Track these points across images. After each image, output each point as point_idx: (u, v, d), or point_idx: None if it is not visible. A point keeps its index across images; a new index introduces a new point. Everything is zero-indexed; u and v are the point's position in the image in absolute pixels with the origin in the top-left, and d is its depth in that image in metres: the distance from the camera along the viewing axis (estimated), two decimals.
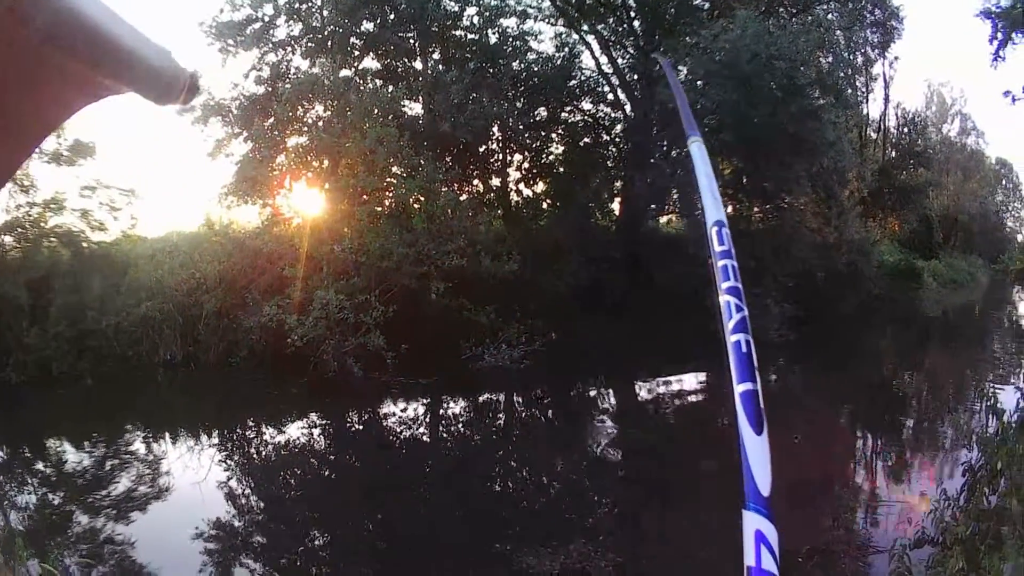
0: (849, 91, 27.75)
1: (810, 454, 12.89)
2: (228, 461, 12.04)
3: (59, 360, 16.17)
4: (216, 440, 13.35)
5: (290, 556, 8.27)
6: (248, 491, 10.72)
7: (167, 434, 13.46)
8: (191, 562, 7.73)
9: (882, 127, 44.99)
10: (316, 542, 8.92)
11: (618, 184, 25.84)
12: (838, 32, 29.47)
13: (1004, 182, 77.42)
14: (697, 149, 1.97)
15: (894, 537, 6.47)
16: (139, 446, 12.77)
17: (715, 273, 1.74)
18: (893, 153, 43.24)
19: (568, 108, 25.99)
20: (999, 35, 19.29)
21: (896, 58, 43.95)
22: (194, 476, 10.73)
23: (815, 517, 9.59)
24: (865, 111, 42.30)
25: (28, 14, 0.79)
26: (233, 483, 10.76)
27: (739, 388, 1.56)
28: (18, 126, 1.01)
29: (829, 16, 28.72)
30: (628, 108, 25.89)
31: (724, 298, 1.72)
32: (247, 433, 14.09)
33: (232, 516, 9.28)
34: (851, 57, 32.74)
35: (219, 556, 8.02)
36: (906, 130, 42.49)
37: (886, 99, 44.97)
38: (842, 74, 27.03)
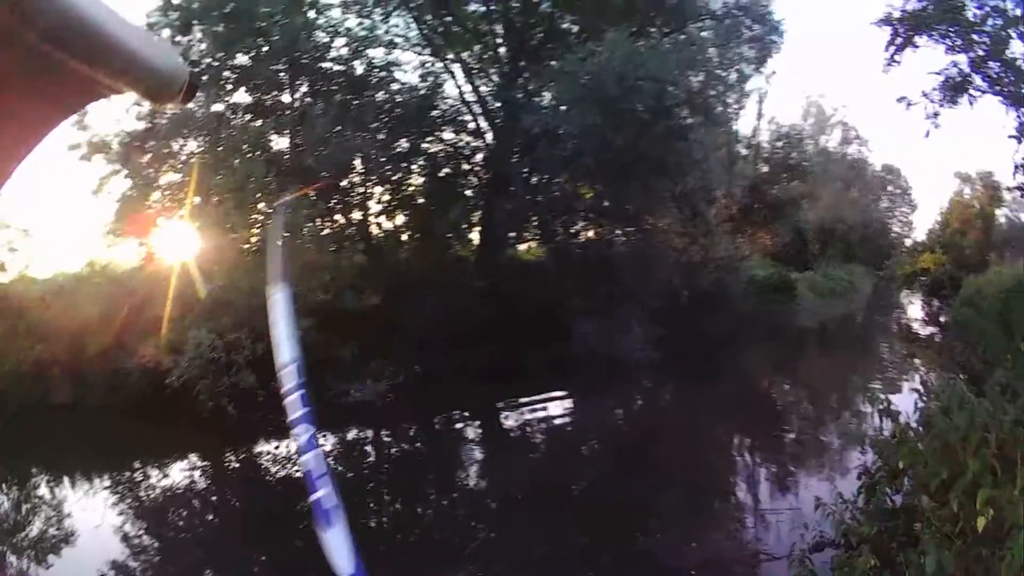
0: (720, 109, 28.15)
1: (692, 469, 13.83)
2: (116, 504, 12.40)
3: None
4: (99, 484, 13.60)
5: None
6: (131, 531, 11.11)
7: (46, 479, 13.85)
8: None
9: (753, 142, 45.43)
10: None
11: (478, 214, 26.00)
12: (711, 49, 29.85)
13: (890, 188, 79.89)
14: (281, 298, 2.05)
15: (790, 543, 6.81)
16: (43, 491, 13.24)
17: (290, 405, 1.89)
18: (765, 168, 43.81)
19: (430, 139, 25.96)
20: (899, 39, 20.47)
21: (773, 72, 44.98)
22: (81, 516, 11.28)
23: (705, 530, 10.24)
24: (735, 128, 42.81)
25: (29, 13, 0.82)
26: (116, 523, 11.19)
27: (312, 498, 1.78)
28: (18, 125, 1.07)
29: (703, 34, 29.35)
30: (489, 136, 26.13)
31: (299, 427, 1.88)
32: (130, 475, 14.28)
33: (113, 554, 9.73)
34: (724, 74, 33.10)
35: None
36: (780, 144, 43.40)
37: (759, 114, 45.70)
38: (714, 92, 27.59)
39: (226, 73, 22.86)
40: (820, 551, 6.59)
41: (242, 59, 22.88)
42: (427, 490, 13.66)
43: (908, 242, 60.30)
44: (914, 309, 43.70)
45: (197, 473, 14.57)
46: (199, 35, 22.48)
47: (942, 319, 31.35)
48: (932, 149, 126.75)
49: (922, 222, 79.88)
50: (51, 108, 1.07)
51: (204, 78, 21.84)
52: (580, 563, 9.14)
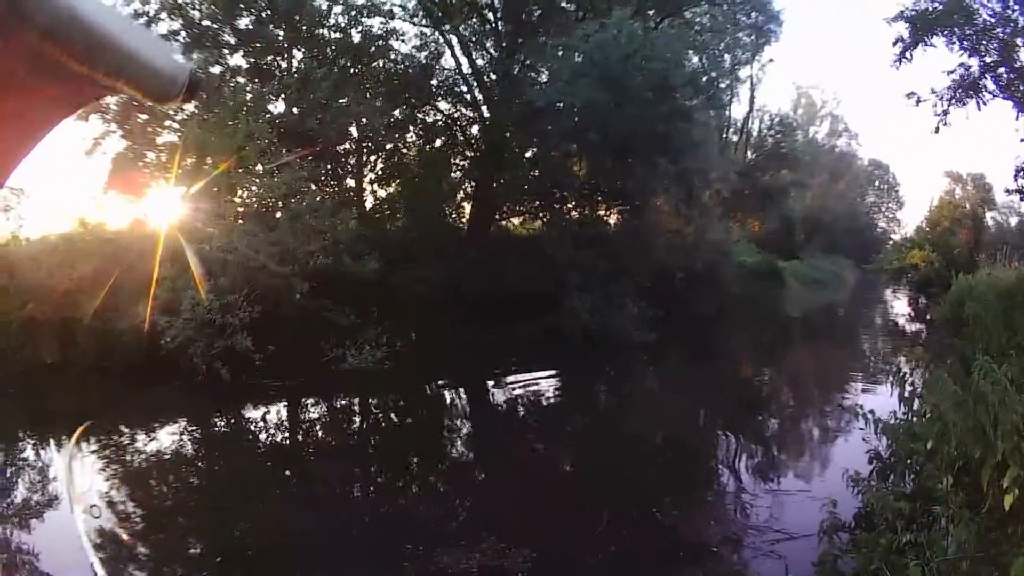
0: (714, 92, 28.36)
1: (697, 451, 14.10)
2: (104, 468, 12.38)
3: None
4: (95, 447, 13.55)
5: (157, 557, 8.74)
6: (122, 496, 11.09)
7: (44, 440, 13.69)
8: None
9: (744, 129, 46.18)
10: (182, 545, 9.22)
11: (471, 184, 26.20)
12: (709, 33, 29.75)
13: (877, 183, 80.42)
14: None
15: (802, 523, 7.13)
16: (28, 453, 13.14)
17: None
18: (752, 155, 44.43)
19: (426, 107, 26.17)
20: (911, 37, 20.65)
21: (771, 60, 45.10)
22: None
23: (719, 508, 10.68)
24: (728, 113, 43.10)
25: (28, 14, 0.83)
26: (106, 488, 11.15)
27: None
28: (18, 125, 1.07)
29: (701, 19, 29.27)
30: (485, 109, 26.25)
31: None
32: (121, 439, 13.90)
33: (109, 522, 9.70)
34: (722, 59, 33.06)
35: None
36: (771, 132, 43.71)
37: (752, 101, 46.06)
38: (714, 73, 27.71)
39: (225, 38, 22.86)
40: (836, 533, 6.71)
41: (243, 22, 22.82)
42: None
43: (895, 237, 60.63)
44: (899, 304, 44.03)
45: (185, 438, 14.36)
46: None
47: (928, 316, 31.64)
48: (921, 147, 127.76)
49: (909, 218, 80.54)
50: (51, 108, 1.08)
51: (203, 39, 21.83)
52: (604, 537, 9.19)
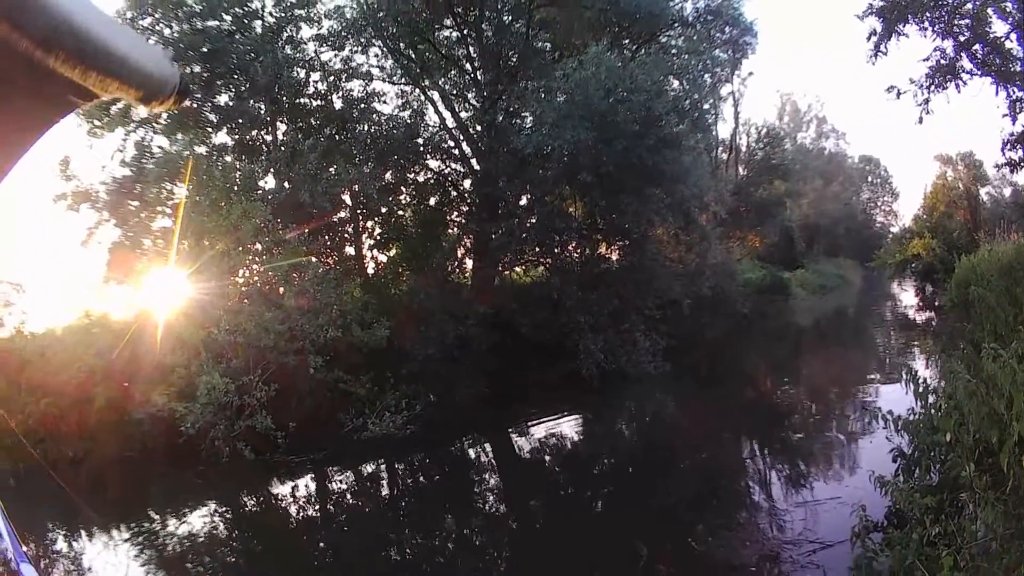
0: (698, 115, 28.51)
1: (724, 473, 14.39)
2: (139, 555, 12.54)
3: None
4: (127, 535, 13.68)
5: None
6: None
7: (80, 532, 13.87)
8: None
9: (732, 146, 46.35)
10: None
11: (469, 240, 25.93)
12: (686, 55, 29.95)
13: (870, 178, 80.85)
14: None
15: (836, 530, 7.43)
16: (61, 545, 13.33)
17: None
18: (743, 171, 44.54)
19: (416, 167, 26.12)
20: (882, 29, 21.14)
21: (751, 74, 45.77)
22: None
23: (757, 524, 11.05)
24: (715, 132, 42.81)
25: (21, 21, 0.86)
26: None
27: None
28: (12, 127, 1.10)
29: (676, 42, 29.49)
30: (475, 162, 26.13)
31: None
32: (151, 526, 14.04)
33: None
34: (702, 80, 33.18)
35: None
36: (760, 145, 44.09)
37: (736, 117, 46.76)
38: (696, 96, 27.95)
39: (208, 115, 22.93)
40: (868, 535, 6.88)
41: (222, 99, 22.93)
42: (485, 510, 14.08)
43: (895, 230, 60.92)
44: (907, 296, 44.36)
45: (216, 519, 14.53)
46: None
47: (936, 303, 31.89)
48: (909, 134, 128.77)
49: (906, 209, 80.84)
50: (44, 110, 1.12)
51: (185, 118, 21.97)
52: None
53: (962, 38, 21.25)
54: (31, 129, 1.17)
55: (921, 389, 7.46)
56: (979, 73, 21.48)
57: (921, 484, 7.19)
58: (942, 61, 21.49)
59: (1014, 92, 21.37)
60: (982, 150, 60.91)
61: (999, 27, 21.14)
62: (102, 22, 1.00)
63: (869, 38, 21.79)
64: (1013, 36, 20.93)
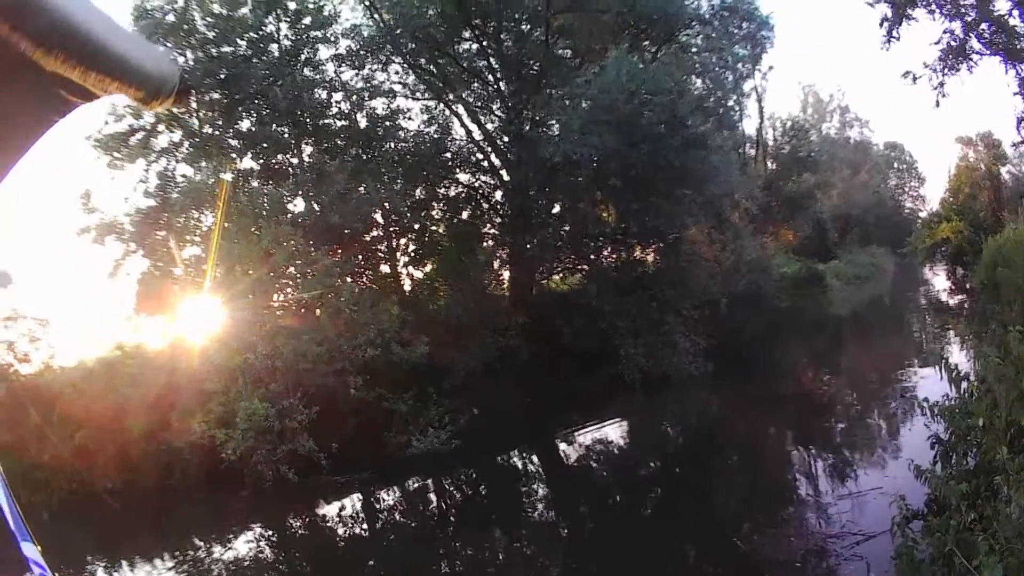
0: (724, 111, 28.37)
1: (768, 470, 14.33)
2: None
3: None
4: (171, 564, 13.71)
5: None
6: None
7: (121, 563, 14.04)
8: None
9: (759, 141, 45.93)
10: None
11: (504, 251, 25.93)
12: (705, 53, 29.79)
13: (896, 165, 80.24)
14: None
15: (887, 520, 7.10)
16: None
17: None
18: (772, 165, 44.47)
19: (446, 182, 26.08)
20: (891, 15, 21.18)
21: (771, 68, 45.44)
22: None
23: (799, 521, 11.05)
24: (741, 129, 42.26)
25: (21, 21, 0.86)
26: None
27: None
28: (14, 126, 1.11)
29: (695, 41, 29.39)
30: (504, 173, 26.09)
31: None
32: (197, 553, 14.27)
33: None
34: (724, 77, 33.05)
35: None
36: (786, 139, 43.95)
37: (761, 112, 46.26)
38: (719, 93, 27.77)
39: (231, 141, 22.74)
40: (909, 524, 6.84)
41: (244, 124, 22.74)
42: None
43: (923, 215, 60.53)
44: (939, 280, 44.16)
45: (263, 543, 14.66)
46: (195, 105, 22.38)
47: (968, 285, 31.65)
48: (930, 119, 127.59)
49: (933, 193, 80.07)
50: (44, 111, 1.13)
51: (207, 146, 21.91)
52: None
53: (969, 18, 21.27)
54: (31, 129, 1.17)
55: (954, 374, 7.24)
56: (988, 52, 21.48)
57: (958, 470, 7.20)
58: (952, 43, 21.58)
59: (1022, 70, 21.35)
60: (1000, 130, 60.28)
61: (1002, 4, 21.19)
62: (102, 22, 1.01)
63: (882, 24, 21.83)
64: (1015, 12, 20.94)
